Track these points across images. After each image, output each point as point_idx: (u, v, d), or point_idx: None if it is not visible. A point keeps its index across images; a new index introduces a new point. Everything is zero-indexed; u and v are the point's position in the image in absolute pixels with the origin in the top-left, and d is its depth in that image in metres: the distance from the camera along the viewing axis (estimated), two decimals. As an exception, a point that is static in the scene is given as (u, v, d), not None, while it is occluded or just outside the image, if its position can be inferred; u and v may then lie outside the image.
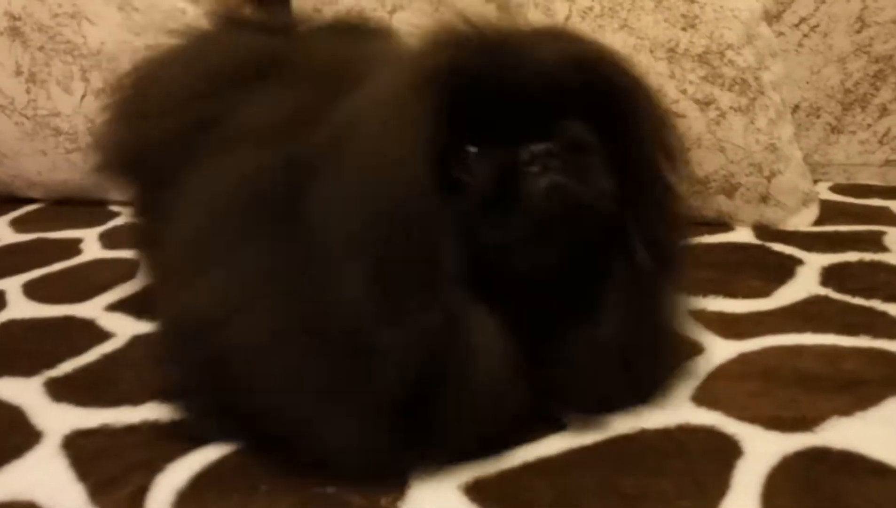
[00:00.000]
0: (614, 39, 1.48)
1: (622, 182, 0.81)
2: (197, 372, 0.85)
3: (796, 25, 1.84)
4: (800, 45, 1.85)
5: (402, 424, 0.76)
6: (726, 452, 0.84)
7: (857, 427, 0.87)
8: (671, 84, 1.49)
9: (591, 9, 1.52)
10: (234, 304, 0.81)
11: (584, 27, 1.50)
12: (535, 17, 1.49)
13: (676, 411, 0.89)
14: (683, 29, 1.50)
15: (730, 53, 1.50)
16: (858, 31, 1.83)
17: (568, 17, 1.52)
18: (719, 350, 1.02)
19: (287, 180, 0.81)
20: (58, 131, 1.79)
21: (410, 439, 0.77)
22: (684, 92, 1.50)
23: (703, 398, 0.92)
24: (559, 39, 0.83)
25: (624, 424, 0.87)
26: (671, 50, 1.48)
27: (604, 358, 0.83)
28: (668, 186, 0.86)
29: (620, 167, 0.81)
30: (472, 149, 0.78)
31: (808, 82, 1.86)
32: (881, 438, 0.84)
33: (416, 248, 0.74)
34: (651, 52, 1.49)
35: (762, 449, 0.83)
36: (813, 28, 1.83)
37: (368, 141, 0.76)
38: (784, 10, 1.84)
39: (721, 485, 0.78)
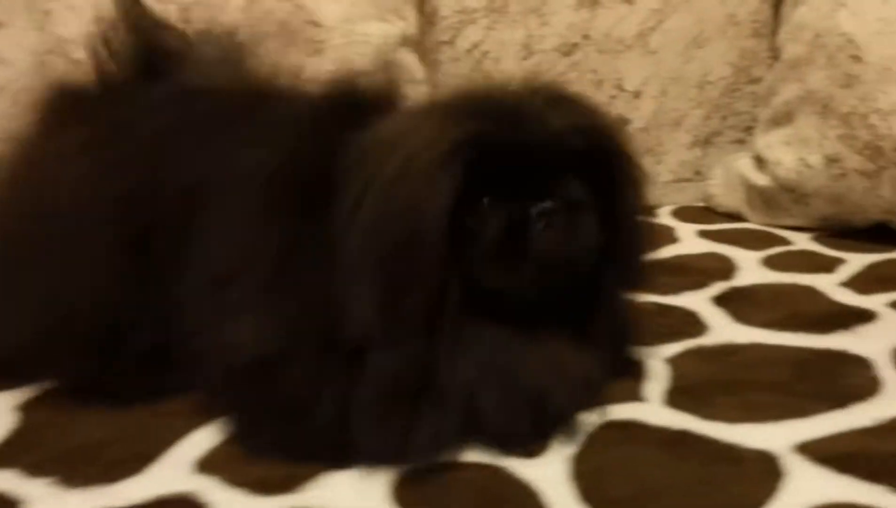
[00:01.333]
0: None
1: (610, 230, 0.94)
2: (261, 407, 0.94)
3: (469, 51, 1.90)
4: (473, 70, 1.90)
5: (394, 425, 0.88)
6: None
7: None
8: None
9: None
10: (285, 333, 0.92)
11: None
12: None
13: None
14: (310, 55, 1.52)
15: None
16: (525, 59, 1.88)
17: None
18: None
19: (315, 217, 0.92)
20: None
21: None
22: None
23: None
24: (564, 106, 0.94)
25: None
26: (296, 77, 1.45)
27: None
28: (644, 230, 1.03)
29: (609, 218, 0.95)
30: (486, 202, 0.90)
31: (484, 107, 1.83)
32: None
33: (419, 283, 0.87)
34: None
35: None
36: (485, 54, 1.84)
37: (397, 186, 0.88)
38: (456, 36, 1.89)
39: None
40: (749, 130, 1.89)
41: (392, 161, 0.88)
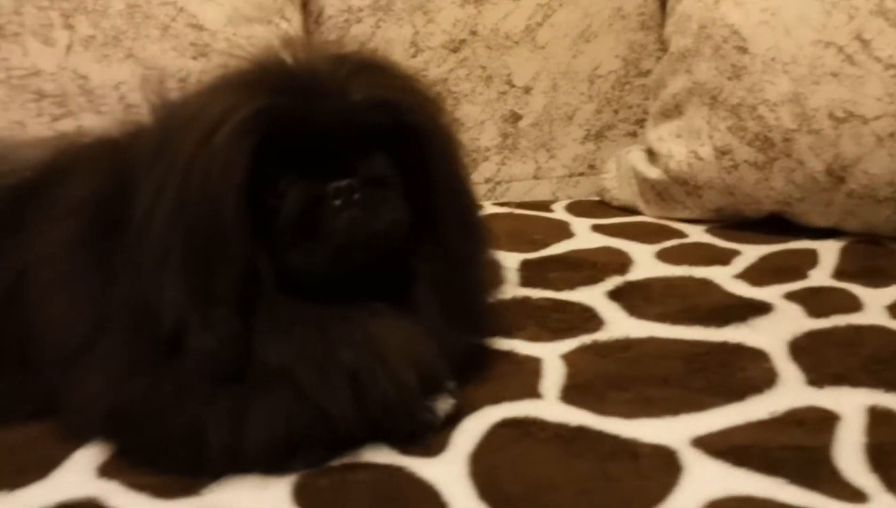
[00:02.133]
0: (120, 70, 1.48)
1: (423, 205, 0.94)
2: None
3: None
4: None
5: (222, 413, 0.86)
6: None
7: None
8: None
9: (93, 38, 1.51)
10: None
11: (88, 57, 1.50)
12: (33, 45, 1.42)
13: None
14: (194, 58, 1.51)
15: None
16: (414, 56, 1.88)
17: (69, 47, 1.50)
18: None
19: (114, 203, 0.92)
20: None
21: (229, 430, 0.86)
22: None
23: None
24: (369, 77, 0.92)
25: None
26: (182, 80, 1.47)
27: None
28: (461, 204, 1.01)
29: (420, 193, 0.94)
30: (283, 180, 0.88)
31: (373, 106, 1.81)
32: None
33: (225, 263, 0.86)
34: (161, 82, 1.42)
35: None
36: (373, 52, 1.80)
37: (191, 168, 0.87)
38: (344, 35, 1.86)
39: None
40: (641, 122, 1.91)
41: (185, 141, 0.87)
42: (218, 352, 0.86)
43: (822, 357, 1.09)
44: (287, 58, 0.93)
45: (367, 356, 0.89)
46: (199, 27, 1.53)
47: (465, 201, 1.02)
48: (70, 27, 1.49)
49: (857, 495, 0.84)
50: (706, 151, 1.58)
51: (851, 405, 0.98)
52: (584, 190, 1.95)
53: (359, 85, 0.90)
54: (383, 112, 0.91)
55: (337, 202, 0.89)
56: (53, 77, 1.49)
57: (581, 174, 1.99)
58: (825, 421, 0.95)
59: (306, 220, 0.89)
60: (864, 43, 1.43)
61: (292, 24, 1.65)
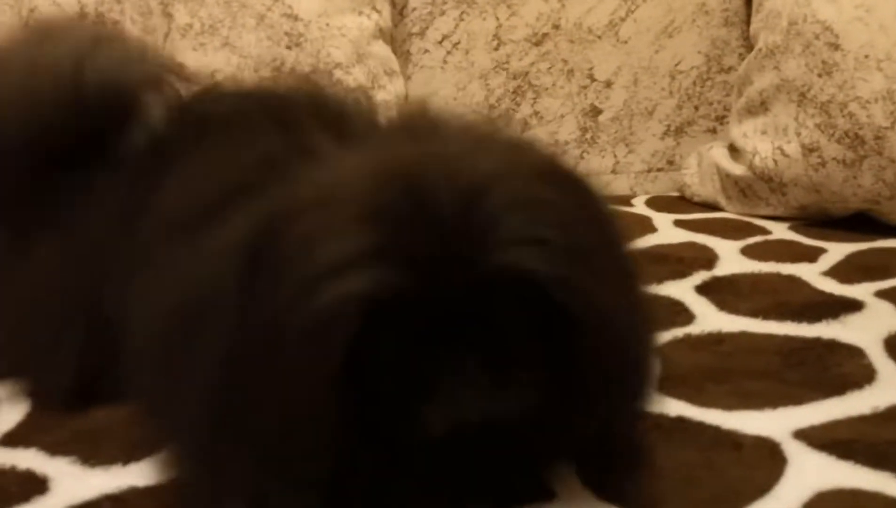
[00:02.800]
0: (216, 58, 1.51)
1: (562, 387, 0.76)
2: None
3: (440, 42, 1.90)
4: (444, 61, 1.92)
5: None
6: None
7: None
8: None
9: (190, 26, 1.54)
10: None
11: (185, 45, 1.53)
12: (132, 32, 1.46)
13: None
14: (288, 47, 1.54)
15: (338, 72, 1.55)
16: (496, 49, 1.89)
17: (167, 35, 1.54)
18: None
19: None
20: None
21: None
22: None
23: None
24: (513, 230, 0.71)
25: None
26: (276, 69, 1.52)
27: None
28: (617, 390, 0.80)
29: (561, 372, 0.76)
30: (392, 350, 0.73)
31: (455, 98, 1.93)
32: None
33: (305, 454, 0.73)
34: (256, 70, 1.52)
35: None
36: (455, 45, 1.85)
37: (278, 337, 0.73)
38: (427, 28, 1.90)
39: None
40: (721, 119, 1.92)
41: (282, 290, 0.73)
42: None
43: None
44: (414, 181, 0.73)
45: None
46: (294, 17, 1.57)
47: (619, 384, 0.81)
48: (168, 15, 1.54)
49: None
50: (793, 149, 1.58)
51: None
52: (663, 186, 1.97)
53: (498, 243, 0.71)
54: (526, 286, 0.72)
55: (453, 380, 0.73)
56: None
57: (660, 170, 2.01)
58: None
59: (413, 402, 0.73)
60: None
61: (383, 15, 1.70)
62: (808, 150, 1.58)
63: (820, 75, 1.57)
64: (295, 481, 0.73)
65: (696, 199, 1.79)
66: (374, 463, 0.74)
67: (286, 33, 1.55)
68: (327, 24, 1.57)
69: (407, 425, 0.74)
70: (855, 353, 1.11)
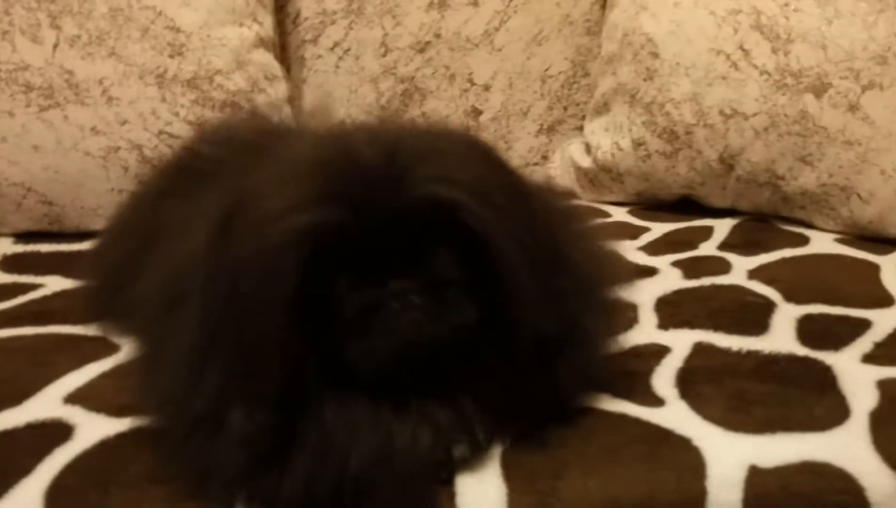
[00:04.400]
0: (104, 67, 1.69)
1: (491, 304, 0.89)
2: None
3: (331, 49, 2.11)
4: (337, 66, 2.11)
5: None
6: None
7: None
8: (163, 107, 1.74)
9: (78, 37, 1.69)
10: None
11: (73, 55, 1.69)
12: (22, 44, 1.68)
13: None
14: (171, 56, 1.72)
15: (219, 78, 1.75)
16: (384, 55, 2.11)
17: (56, 45, 1.69)
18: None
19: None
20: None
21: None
22: (177, 114, 1.75)
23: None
24: (426, 171, 0.87)
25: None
26: (160, 76, 1.70)
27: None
28: (536, 305, 0.92)
29: (488, 291, 0.89)
30: (344, 282, 0.86)
31: (348, 100, 2.12)
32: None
33: (269, 367, 0.86)
34: (140, 77, 1.71)
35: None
36: (346, 51, 2.11)
37: (242, 270, 0.87)
38: (319, 35, 2.11)
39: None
40: (585, 118, 2.10)
41: (243, 236, 0.88)
42: (254, 437, 0.86)
43: (678, 308, 1.34)
44: (343, 145, 0.90)
45: (371, 468, 0.87)
46: (177, 29, 1.73)
47: (545, 288, 0.93)
48: (57, 27, 1.68)
49: (658, 401, 1.07)
50: (626, 143, 1.84)
51: (684, 341, 1.22)
52: (538, 178, 2.08)
53: (414, 182, 0.86)
54: (440, 213, 0.86)
55: (395, 305, 0.86)
56: (41, 71, 1.69)
57: (535, 164, 2.21)
58: (659, 353, 1.19)
59: (363, 322, 0.86)
60: (745, 52, 1.69)
61: (264, 25, 1.86)
62: (637, 144, 1.83)
63: (645, 80, 1.81)
64: (254, 396, 0.86)
65: (559, 189, 1.99)
66: (324, 384, 0.88)
67: (169, 44, 1.70)
68: (208, 35, 1.72)
69: (354, 349, 0.87)
70: (631, 308, 1.33)
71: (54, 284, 1.47)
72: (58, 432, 0.99)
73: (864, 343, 1.18)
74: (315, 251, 0.83)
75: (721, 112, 1.71)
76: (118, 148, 1.73)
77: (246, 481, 0.86)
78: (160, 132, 1.75)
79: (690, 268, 1.48)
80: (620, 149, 1.85)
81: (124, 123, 1.74)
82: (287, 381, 0.85)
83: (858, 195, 1.62)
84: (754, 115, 1.68)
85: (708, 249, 1.59)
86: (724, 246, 1.57)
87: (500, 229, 0.88)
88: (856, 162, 1.60)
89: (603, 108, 1.93)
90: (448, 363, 0.89)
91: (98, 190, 1.75)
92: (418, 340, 0.87)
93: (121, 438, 0.98)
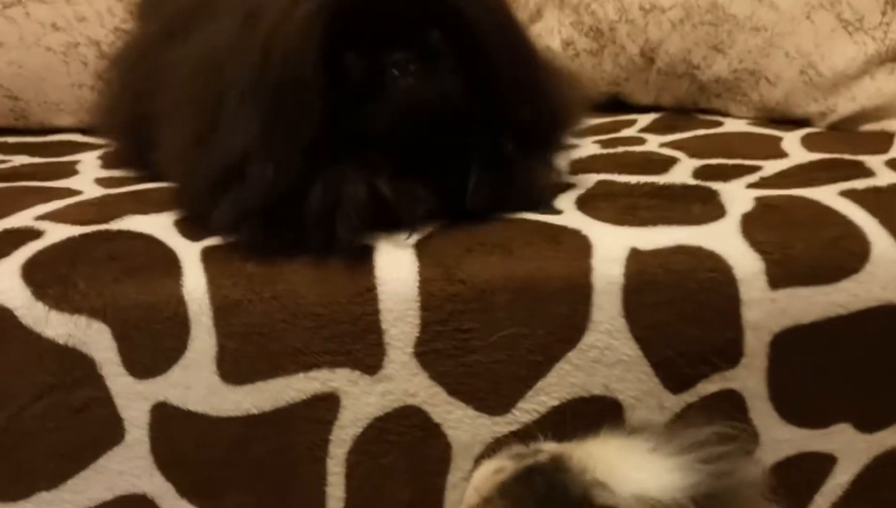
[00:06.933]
0: None
1: (477, 80, 1.06)
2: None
3: None
4: None
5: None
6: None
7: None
8: (119, 6, 1.92)
9: None
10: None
11: None
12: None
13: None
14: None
15: None
16: None
17: None
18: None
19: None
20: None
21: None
22: (131, 13, 1.88)
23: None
24: None
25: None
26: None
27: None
28: (521, 80, 1.12)
29: (473, 68, 1.05)
30: (349, 54, 1.03)
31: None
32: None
33: (300, 114, 1.01)
34: None
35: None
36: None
37: (274, 36, 1.03)
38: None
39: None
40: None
41: (272, 17, 1.04)
42: (274, 180, 1.00)
43: (589, 165, 1.48)
44: None
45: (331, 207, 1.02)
46: None
47: (521, 75, 1.12)
48: None
49: (557, 212, 1.24)
50: (556, 44, 1.99)
51: (589, 180, 1.38)
52: None
53: None
54: (438, 8, 1.03)
55: (395, 72, 1.02)
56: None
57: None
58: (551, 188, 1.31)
59: (368, 88, 1.02)
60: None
61: None
62: (566, 44, 1.98)
63: (573, -18, 1.88)
64: (288, 144, 1.02)
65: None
66: (343, 136, 1.03)
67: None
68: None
69: (361, 113, 1.03)
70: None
71: (22, 160, 1.62)
72: (30, 235, 1.13)
73: (752, 178, 1.34)
74: (334, 16, 1.00)
75: (641, 7, 1.85)
76: (77, 44, 1.86)
77: (265, 214, 1.02)
78: (115, 28, 1.88)
79: (608, 143, 1.64)
80: (552, 50, 1.98)
81: (82, 20, 1.86)
82: (309, 139, 1.01)
83: (766, 78, 1.76)
84: (671, 7, 1.82)
85: (629, 133, 1.75)
86: (643, 130, 1.74)
87: (485, 14, 1.07)
88: (763, 46, 1.74)
89: (536, 15, 2.08)
90: (439, 140, 1.06)
91: (60, 84, 1.87)
92: (414, 103, 1.03)
93: (85, 236, 1.13)
